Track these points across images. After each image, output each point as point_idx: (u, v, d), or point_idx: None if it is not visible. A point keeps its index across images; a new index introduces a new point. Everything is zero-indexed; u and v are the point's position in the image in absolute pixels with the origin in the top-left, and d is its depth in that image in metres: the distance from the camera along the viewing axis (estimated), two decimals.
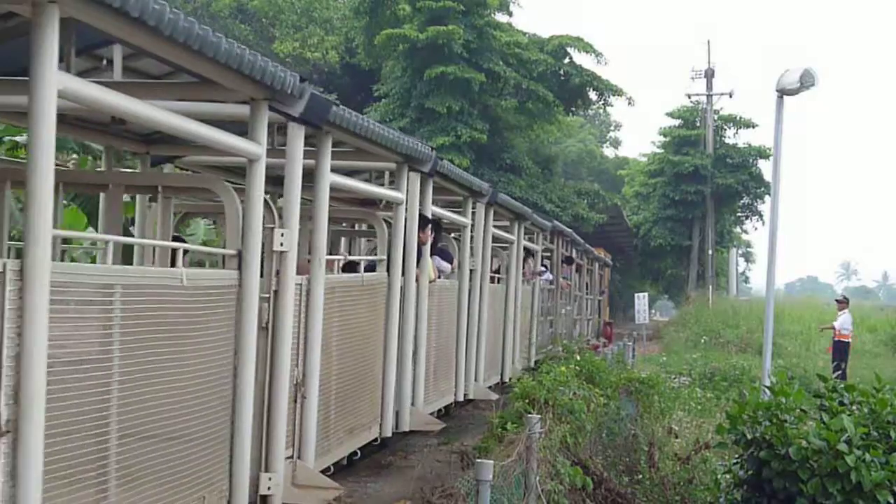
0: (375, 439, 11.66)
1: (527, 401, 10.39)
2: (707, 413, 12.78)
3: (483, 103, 37.50)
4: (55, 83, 5.03)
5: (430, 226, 12.67)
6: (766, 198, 53.91)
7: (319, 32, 44.04)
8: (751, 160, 55.37)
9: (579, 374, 11.70)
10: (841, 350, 25.26)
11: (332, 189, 9.42)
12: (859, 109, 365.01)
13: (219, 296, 7.21)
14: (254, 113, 7.69)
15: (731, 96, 61.80)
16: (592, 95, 41.98)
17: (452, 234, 16.15)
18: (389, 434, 11.87)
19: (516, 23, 43.21)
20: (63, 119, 7.39)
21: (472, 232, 15.30)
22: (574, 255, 29.18)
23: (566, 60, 40.31)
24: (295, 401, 8.86)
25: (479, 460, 7.45)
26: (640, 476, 11.09)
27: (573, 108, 44.65)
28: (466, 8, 36.79)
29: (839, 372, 23.51)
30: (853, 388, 9.19)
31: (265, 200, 7.78)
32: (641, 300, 40.15)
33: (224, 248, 7.72)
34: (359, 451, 11.02)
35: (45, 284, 5.03)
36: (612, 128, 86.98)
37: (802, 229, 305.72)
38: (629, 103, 41.76)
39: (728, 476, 9.32)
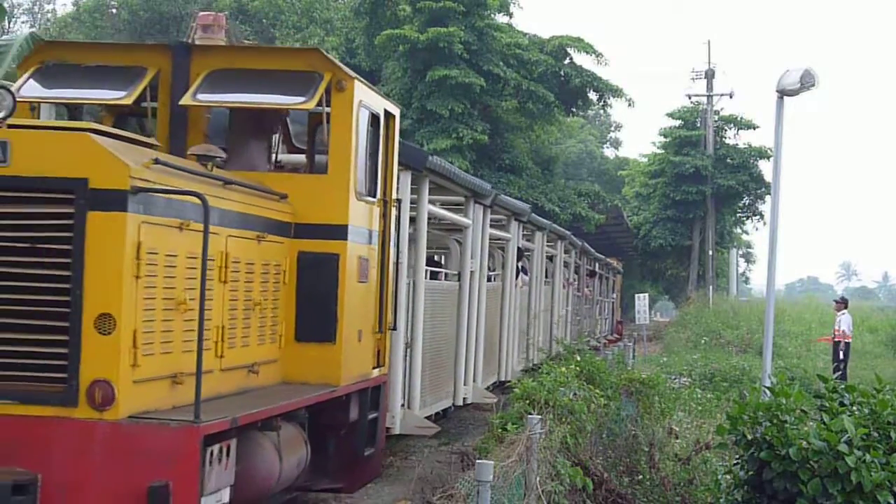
0: (450, 406, 15.30)
1: (527, 401, 10.40)
2: (707, 414, 12.77)
3: (483, 104, 37.50)
4: (426, 206, 13.51)
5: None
6: (767, 198, 53.92)
7: (320, 33, 44.04)
8: (751, 161, 55.37)
9: (580, 374, 11.70)
10: (841, 351, 25.22)
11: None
12: (859, 110, 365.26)
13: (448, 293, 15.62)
14: (468, 204, 16.02)
15: (731, 97, 61.77)
16: (593, 96, 41.96)
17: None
18: (460, 403, 15.73)
19: (516, 23, 43.21)
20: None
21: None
22: (596, 268, 36.92)
23: (566, 61, 40.29)
24: (405, 358, 12.91)
25: (479, 461, 7.45)
26: (641, 477, 11.10)
27: (573, 109, 44.62)
28: (467, 9, 36.78)
29: (839, 373, 23.50)
30: (853, 389, 9.18)
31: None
32: (642, 301, 40.13)
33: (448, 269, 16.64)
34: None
35: (422, 287, 13.48)
36: (612, 128, 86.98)
37: (803, 230, 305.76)
38: (629, 104, 41.78)
39: (728, 477, 9.32)
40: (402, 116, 37.17)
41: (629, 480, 11.05)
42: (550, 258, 25.05)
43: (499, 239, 19.11)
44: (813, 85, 12.64)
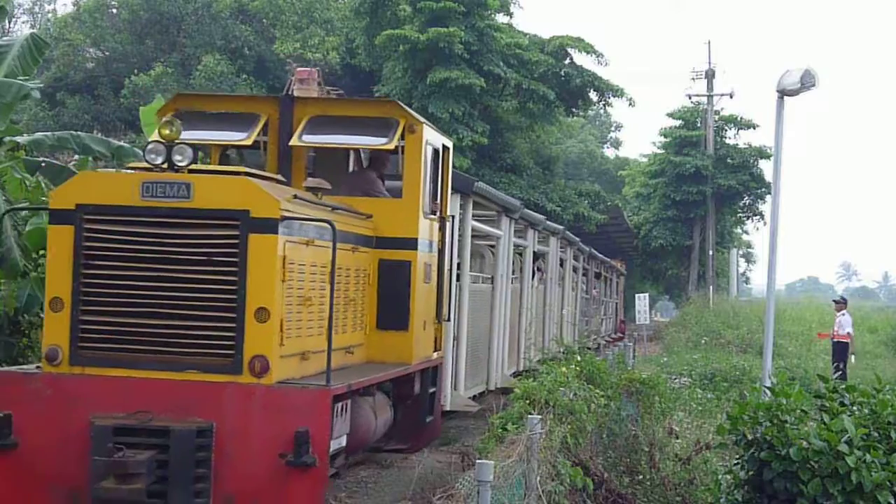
0: (485, 390, 17.28)
1: (527, 401, 10.40)
2: (708, 414, 12.76)
3: (484, 104, 37.49)
4: (470, 221, 16.60)
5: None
6: (767, 198, 53.90)
7: (320, 33, 44.03)
8: (751, 161, 55.34)
9: (580, 374, 11.70)
10: (841, 351, 25.21)
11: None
12: (859, 110, 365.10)
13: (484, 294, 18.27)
14: (499, 218, 18.95)
15: (731, 97, 61.70)
16: (593, 96, 41.92)
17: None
18: (493, 388, 17.63)
19: (517, 23, 43.19)
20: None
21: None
22: (602, 271, 40.07)
23: (567, 61, 40.25)
24: (452, 347, 15.06)
25: (479, 461, 7.46)
26: (641, 477, 11.10)
27: (574, 109, 44.59)
28: (467, 9, 36.76)
29: (839, 373, 23.50)
30: (854, 389, 9.18)
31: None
32: (642, 301, 40.14)
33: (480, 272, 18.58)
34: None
35: (467, 288, 16.80)
36: (612, 128, 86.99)
37: (803, 230, 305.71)
38: (630, 104, 41.75)
39: (729, 477, 9.32)
40: None
41: (629, 480, 11.05)
42: (561, 262, 27.44)
43: (518, 246, 21.73)
44: (813, 85, 12.64)
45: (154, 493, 8.19)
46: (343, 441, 9.48)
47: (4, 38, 16.82)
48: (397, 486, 11.19)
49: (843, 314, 25.66)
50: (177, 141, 8.75)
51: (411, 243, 11.44)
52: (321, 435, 8.43)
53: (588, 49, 39.88)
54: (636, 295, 42.62)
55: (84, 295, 8.79)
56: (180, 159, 8.74)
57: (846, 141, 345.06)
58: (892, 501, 8.07)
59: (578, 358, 12.60)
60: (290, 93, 12.64)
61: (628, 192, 63.58)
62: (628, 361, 18.79)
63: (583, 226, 39.55)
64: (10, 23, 50.65)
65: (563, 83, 39.94)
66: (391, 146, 11.32)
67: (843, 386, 9.38)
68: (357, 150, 12.69)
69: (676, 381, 18.05)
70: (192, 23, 45.21)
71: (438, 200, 12.50)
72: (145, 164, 8.88)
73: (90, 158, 17.60)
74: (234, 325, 8.62)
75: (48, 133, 16.68)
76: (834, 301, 28.24)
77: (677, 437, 11.93)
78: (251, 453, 8.42)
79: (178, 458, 8.30)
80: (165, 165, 8.76)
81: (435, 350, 12.55)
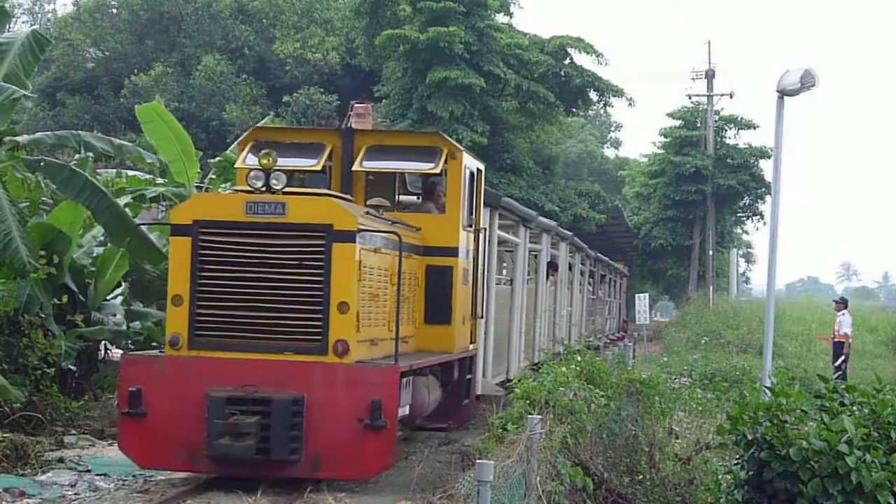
0: (505, 379, 17.88)
1: (528, 401, 10.39)
2: (708, 414, 12.75)
3: (484, 104, 37.48)
4: (496, 231, 17.49)
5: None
6: (767, 198, 53.89)
7: (320, 33, 44.06)
8: (751, 161, 55.29)
9: (580, 374, 11.69)
10: (840, 350, 25.20)
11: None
12: (859, 110, 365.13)
13: (505, 294, 19.14)
14: (517, 227, 19.91)
15: (731, 97, 61.57)
16: (593, 96, 41.95)
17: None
18: (511, 377, 17.88)
19: (516, 23, 43.18)
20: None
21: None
22: (607, 273, 42.06)
23: (567, 61, 40.27)
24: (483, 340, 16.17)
25: (479, 461, 7.46)
26: (641, 477, 11.09)
27: (574, 109, 44.62)
28: (467, 9, 36.76)
29: (839, 372, 23.50)
30: (854, 389, 9.18)
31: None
32: (642, 301, 40.11)
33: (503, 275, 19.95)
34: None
35: (493, 289, 17.46)
36: (612, 128, 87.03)
37: (803, 230, 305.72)
38: (630, 104, 41.76)
39: (729, 477, 9.33)
40: (402, 117, 37.35)
41: (629, 480, 11.05)
42: (570, 266, 29.22)
43: (531, 250, 23.12)
44: (813, 85, 12.65)
45: (259, 450, 10.34)
46: (406, 409, 11.63)
47: (5, 36, 16.76)
48: (397, 486, 11.19)
49: (844, 314, 25.65)
50: (273, 168, 10.81)
51: (453, 252, 13.53)
52: (391, 403, 10.57)
53: (588, 49, 39.88)
54: (636, 295, 42.59)
55: (199, 293, 10.88)
56: (276, 183, 10.86)
57: (846, 141, 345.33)
58: (892, 501, 8.07)
59: (579, 358, 12.58)
60: (349, 126, 14.91)
61: (628, 192, 63.52)
62: (628, 361, 18.79)
63: (582, 226, 39.53)
64: (9, 24, 50.61)
65: (562, 83, 39.95)
66: (437, 170, 13.36)
67: (843, 386, 9.37)
68: (403, 174, 14.75)
69: (676, 381, 18.04)
70: (192, 23, 45.22)
71: (473, 215, 14.47)
72: (248, 187, 11.03)
73: (90, 157, 17.58)
74: (320, 315, 10.73)
75: (48, 132, 16.66)
76: (834, 301, 28.22)
77: (677, 437, 11.93)
78: (335, 418, 10.53)
79: (278, 421, 10.42)
80: (264, 188, 10.84)
81: (471, 342, 14.65)
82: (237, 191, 11.83)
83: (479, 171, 14.88)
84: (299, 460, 10.53)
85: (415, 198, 14.99)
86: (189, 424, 10.56)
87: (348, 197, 12.10)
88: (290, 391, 10.53)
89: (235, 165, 14.00)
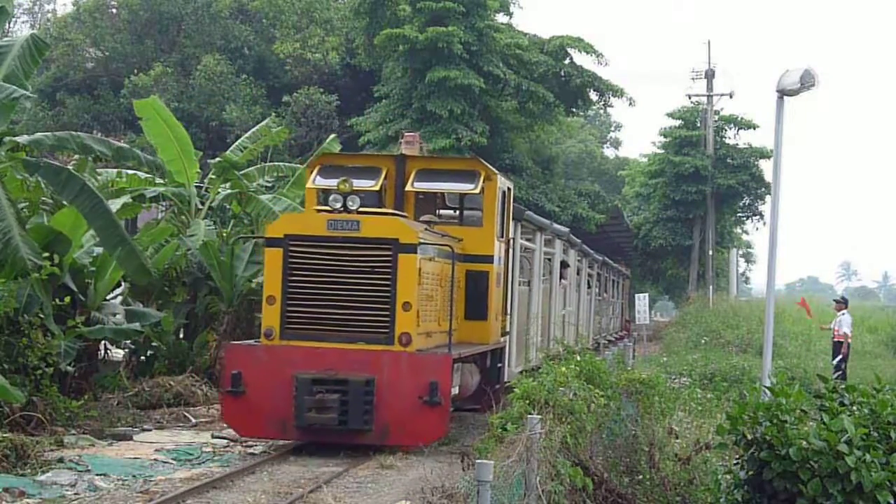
0: (524, 369, 19.29)
1: (527, 401, 10.39)
2: (707, 414, 12.74)
3: (483, 104, 37.45)
4: (519, 240, 20.12)
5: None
6: (767, 198, 53.85)
7: (320, 33, 44.01)
8: (751, 161, 55.23)
9: (579, 374, 11.69)
10: (839, 350, 25.18)
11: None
12: (859, 110, 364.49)
13: (525, 294, 21.20)
14: (534, 235, 22.46)
15: (731, 97, 61.45)
16: (593, 96, 41.90)
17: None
18: (530, 367, 19.61)
19: (516, 23, 43.13)
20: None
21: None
22: (611, 275, 44.41)
23: (566, 61, 40.21)
24: (504, 335, 17.67)
25: (479, 461, 7.46)
26: (641, 477, 11.08)
27: (573, 109, 44.56)
28: (467, 9, 36.73)
29: (839, 372, 23.49)
30: (853, 389, 9.18)
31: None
32: (642, 301, 40.06)
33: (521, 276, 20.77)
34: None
35: (517, 290, 19.99)
36: (612, 128, 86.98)
37: (803, 230, 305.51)
38: (630, 104, 41.72)
39: (728, 477, 9.33)
40: (402, 116, 37.39)
41: (629, 480, 11.04)
42: (578, 270, 31.55)
43: (546, 254, 25.29)
44: (813, 85, 12.65)
45: (339, 422, 12.95)
46: (456, 389, 14.16)
47: (5, 39, 16.77)
48: (397, 486, 11.20)
49: (844, 314, 25.63)
50: (349, 191, 13.35)
51: (489, 259, 15.88)
52: (446, 384, 13.15)
53: (588, 49, 39.84)
54: (636, 295, 42.56)
55: (289, 293, 13.47)
56: (352, 204, 13.40)
57: (846, 141, 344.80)
58: (892, 501, 8.07)
59: (578, 358, 12.59)
60: (400, 152, 16.92)
61: (628, 192, 63.47)
62: (628, 361, 18.79)
63: (582, 226, 39.49)
64: (9, 23, 50.60)
65: (562, 83, 39.90)
66: (477, 191, 15.65)
67: (843, 386, 9.37)
68: (443, 194, 16.94)
69: (676, 381, 18.04)
70: (191, 23, 45.18)
71: (504, 227, 16.80)
72: (328, 208, 13.61)
73: (90, 159, 17.55)
74: (388, 313, 13.33)
75: (48, 133, 16.66)
76: (834, 301, 28.21)
77: (677, 437, 11.92)
78: (400, 396, 13.06)
79: (354, 398, 13.02)
80: (342, 209, 13.37)
81: (502, 335, 17.02)
82: (318, 210, 14.44)
83: (509, 189, 17.43)
84: (371, 430, 13.05)
85: (451, 211, 17.18)
86: (280, 401, 13.06)
87: (405, 214, 14.79)
88: (363, 374, 13.04)
89: (306, 186, 16.25)
